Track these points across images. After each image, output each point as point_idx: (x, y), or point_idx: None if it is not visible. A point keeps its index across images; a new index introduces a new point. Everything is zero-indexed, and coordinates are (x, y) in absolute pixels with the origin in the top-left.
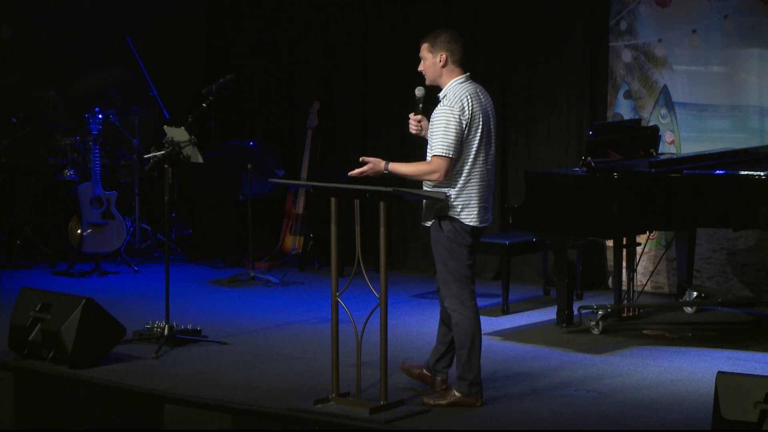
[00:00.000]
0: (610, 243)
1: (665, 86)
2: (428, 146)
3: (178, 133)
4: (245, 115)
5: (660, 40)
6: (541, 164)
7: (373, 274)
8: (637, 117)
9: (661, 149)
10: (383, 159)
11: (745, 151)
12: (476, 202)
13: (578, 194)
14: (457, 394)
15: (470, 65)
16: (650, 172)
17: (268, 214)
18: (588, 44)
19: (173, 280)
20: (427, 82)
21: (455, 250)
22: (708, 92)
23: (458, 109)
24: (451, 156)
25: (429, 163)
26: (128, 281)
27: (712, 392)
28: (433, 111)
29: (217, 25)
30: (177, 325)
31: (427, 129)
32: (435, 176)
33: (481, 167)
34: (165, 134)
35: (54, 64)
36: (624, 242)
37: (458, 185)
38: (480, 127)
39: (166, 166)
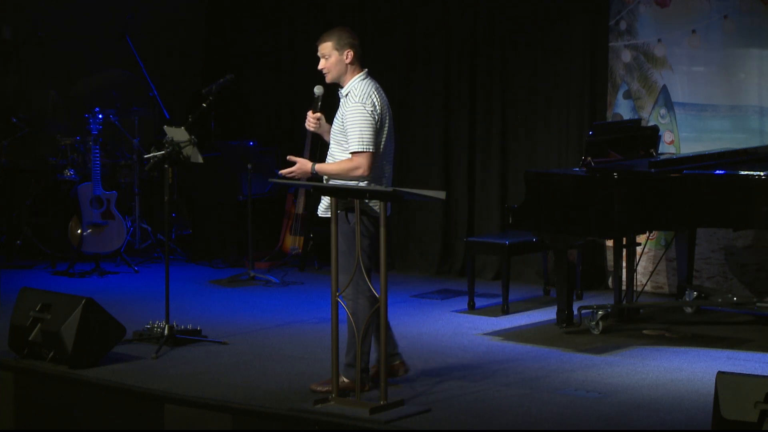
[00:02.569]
0: (610, 243)
1: (665, 86)
2: (332, 143)
3: (178, 133)
4: (245, 115)
5: (660, 40)
6: (541, 164)
7: (373, 274)
8: (636, 117)
9: (660, 149)
10: (311, 161)
11: (745, 151)
12: None
13: (578, 194)
14: (345, 380)
15: (470, 65)
16: (650, 172)
17: (268, 214)
18: (588, 44)
19: (173, 280)
20: (329, 80)
21: (362, 240)
22: (707, 92)
23: (370, 105)
24: (371, 150)
25: (350, 160)
26: (128, 281)
27: (712, 392)
28: (337, 109)
29: (217, 25)
30: (177, 325)
31: (326, 128)
32: (359, 172)
33: (387, 160)
34: (165, 134)
35: (54, 64)
36: (624, 242)
37: (372, 177)
38: (387, 121)
39: (166, 166)
